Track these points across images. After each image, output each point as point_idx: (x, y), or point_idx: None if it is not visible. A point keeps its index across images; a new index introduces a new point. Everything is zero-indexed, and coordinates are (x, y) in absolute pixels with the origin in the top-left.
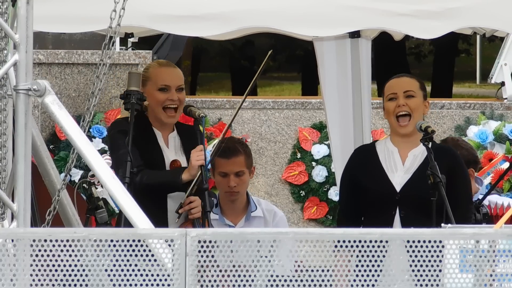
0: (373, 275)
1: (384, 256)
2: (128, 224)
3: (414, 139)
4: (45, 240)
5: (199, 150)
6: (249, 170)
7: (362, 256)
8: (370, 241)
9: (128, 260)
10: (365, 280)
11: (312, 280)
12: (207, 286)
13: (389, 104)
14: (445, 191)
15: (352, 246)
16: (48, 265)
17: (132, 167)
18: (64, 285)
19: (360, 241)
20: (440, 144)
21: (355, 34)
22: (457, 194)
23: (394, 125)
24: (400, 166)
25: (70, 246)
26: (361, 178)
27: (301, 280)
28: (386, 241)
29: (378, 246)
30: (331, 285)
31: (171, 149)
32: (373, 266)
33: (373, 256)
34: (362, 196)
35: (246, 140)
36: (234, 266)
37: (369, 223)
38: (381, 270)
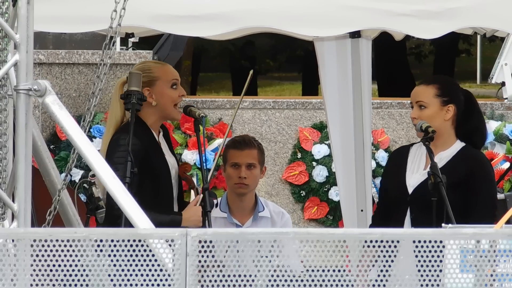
0: (367, 270)
1: (384, 256)
2: (129, 224)
3: (445, 142)
4: (46, 240)
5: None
6: (260, 167)
7: (363, 256)
8: (371, 241)
9: (128, 260)
10: (365, 280)
11: (313, 280)
12: (207, 286)
13: (410, 113)
14: (448, 191)
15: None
16: (48, 265)
17: (133, 167)
18: (64, 285)
19: (360, 241)
20: (476, 150)
21: (355, 34)
22: (474, 200)
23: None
24: (422, 168)
25: (71, 246)
26: (385, 179)
27: (301, 280)
28: (387, 241)
29: (379, 246)
30: (331, 285)
31: (165, 152)
32: (373, 266)
33: (373, 256)
34: (385, 197)
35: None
36: (234, 266)
37: (383, 223)
38: (381, 270)
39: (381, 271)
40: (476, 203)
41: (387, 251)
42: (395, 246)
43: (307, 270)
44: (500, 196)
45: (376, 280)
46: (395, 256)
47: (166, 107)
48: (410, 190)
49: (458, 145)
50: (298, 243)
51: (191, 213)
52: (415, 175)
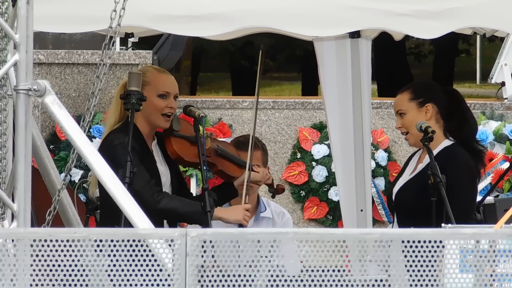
0: (373, 275)
1: (384, 256)
2: (128, 224)
3: (434, 142)
4: (45, 240)
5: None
6: (264, 167)
7: (363, 256)
8: (371, 241)
9: (128, 260)
10: (365, 280)
11: (313, 280)
12: (207, 286)
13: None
14: (428, 193)
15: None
16: (48, 265)
17: (132, 167)
18: (64, 285)
19: (360, 241)
20: (457, 148)
21: (355, 34)
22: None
23: None
24: (408, 173)
25: (70, 246)
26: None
27: (301, 280)
28: (387, 241)
29: (379, 246)
30: (331, 285)
31: (158, 161)
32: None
33: (373, 256)
34: None
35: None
36: (234, 266)
37: None
38: (381, 270)
39: (381, 271)
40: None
41: (387, 251)
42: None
43: (307, 270)
44: (489, 199)
45: (376, 280)
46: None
47: (151, 114)
48: (393, 196)
49: (443, 144)
50: (298, 243)
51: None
52: (401, 180)
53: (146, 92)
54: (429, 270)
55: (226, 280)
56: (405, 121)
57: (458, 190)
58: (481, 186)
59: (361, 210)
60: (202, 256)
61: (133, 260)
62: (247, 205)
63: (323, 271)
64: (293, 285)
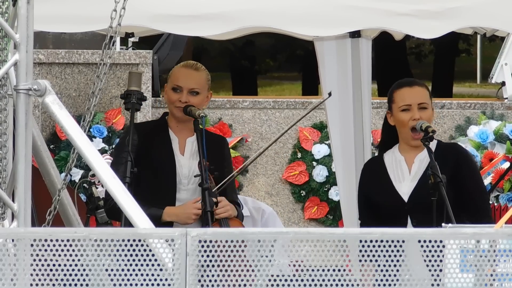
0: (373, 275)
1: (384, 256)
2: (128, 224)
3: (420, 144)
4: (46, 240)
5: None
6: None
7: (363, 256)
8: (371, 241)
9: (128, 260)
10: (365, 280)
11: (313, 280)
12: (207, 286)
13: (402, 115)
14: (445, 190)
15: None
16: (48, 265)
17: (133, 167)
18: (64, 285)
19: (360, 241)
20: (447, 142)
21: (355, 34)
22: (469, 186)
23: (406, 136)
24: (407, 175)
25: (71, 246)
26: (372, 193)
27: (302, 280)
28: (387, 241)
29: (379, 246)
30: (331, 285)
31: (186, 155)
32: (373, 266)
33: (373, 256)
34: (376, 210)
35: (247, 140)
36: (234, 266)
37: None
38: (381, 270)
39: (381, 271)
40: (472, 190)
41: (387, 251)
42: (395, 246)
43: (307, 270)
44: None
45: (377, 280)
46: (395, 256)
47: (168, 105)
48: (405, 198)
49: (433, 142)
50: (298, 243)
51: (181, 208)
52: (405, 182)
53: (168, 85)
54: (429, 270)
55: (226, 280)
56: (426, 116)
57: (476, 175)
58: None
59: None
60: (203, 256)
61: (133, 260)
62: (197, 204)
63: (323, 271)
64: (293, 285)
